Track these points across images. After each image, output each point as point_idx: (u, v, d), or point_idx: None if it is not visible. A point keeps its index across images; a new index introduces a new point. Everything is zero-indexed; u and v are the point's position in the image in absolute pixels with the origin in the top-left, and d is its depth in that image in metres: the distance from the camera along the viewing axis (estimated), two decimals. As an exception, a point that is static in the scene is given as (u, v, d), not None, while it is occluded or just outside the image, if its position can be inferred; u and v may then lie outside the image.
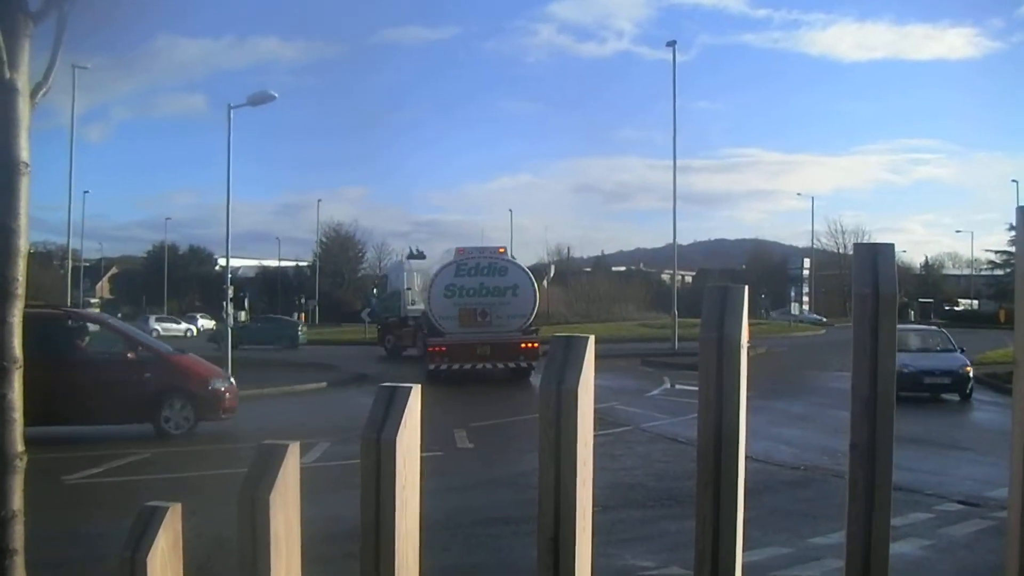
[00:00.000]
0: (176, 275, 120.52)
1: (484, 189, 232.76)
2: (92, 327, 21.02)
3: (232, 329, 33.57)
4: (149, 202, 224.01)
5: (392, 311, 46.24)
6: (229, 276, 32.81)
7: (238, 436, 19.28)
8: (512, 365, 30.40)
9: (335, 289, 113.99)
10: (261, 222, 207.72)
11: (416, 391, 2.42)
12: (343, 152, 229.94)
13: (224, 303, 32.73)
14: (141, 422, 19.65)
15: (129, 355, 19.81)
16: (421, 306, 37.24)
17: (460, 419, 20.97)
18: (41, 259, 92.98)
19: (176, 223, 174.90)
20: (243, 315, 61.07)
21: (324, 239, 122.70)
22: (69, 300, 51.59)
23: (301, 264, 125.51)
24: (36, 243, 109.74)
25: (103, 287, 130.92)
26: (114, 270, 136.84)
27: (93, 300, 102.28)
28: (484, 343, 30.04)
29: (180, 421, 19.79)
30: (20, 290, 4.90)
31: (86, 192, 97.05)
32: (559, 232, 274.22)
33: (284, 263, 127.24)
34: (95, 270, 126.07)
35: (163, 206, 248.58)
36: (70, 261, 59.48)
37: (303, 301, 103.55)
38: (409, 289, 45.04)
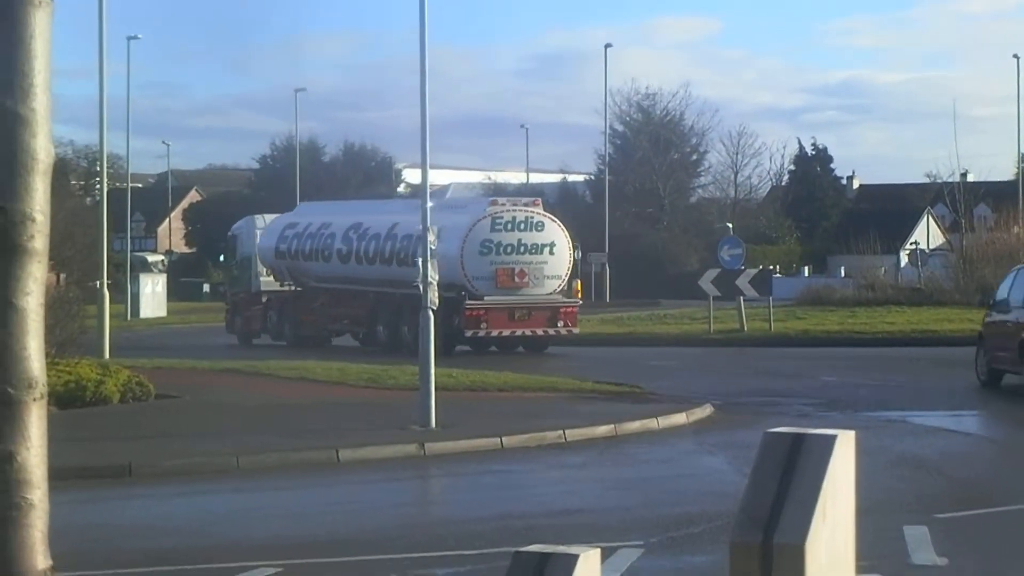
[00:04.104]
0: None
1: (965, 7, 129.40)
2: None
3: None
4: (260, 57, 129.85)
5: (241, 284, 36.94)
6: (427, 205, 17.95)
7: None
8: (552, 332, 30.73)
9: (647, 229, 62.85)
10: (490, 94, 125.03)
11: (846, 442, 1.59)
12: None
13: (421, 260, 17.43)
14: None
15: None
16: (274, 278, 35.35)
17: (906, 494, 12.00)
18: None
19: (315, 100, 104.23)
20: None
21: (620, 126, 67.12)
22: (106, 255, 30.71)
23: (573, 178, 68.28)
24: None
25: (171, 230, 79.22)
26: (194, 196, 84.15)
27: (152, 257, 63.60)
28: (523, 306, 30.40)
29: None
30: (40, 240, 2.87)
31: (133, 38, 47.51)
32: None
33: (538, 176, 72.04)
34: (154, 196, 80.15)
35: (288, 67, 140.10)
36: (104, 181, 36.23)
37: None
38: None
